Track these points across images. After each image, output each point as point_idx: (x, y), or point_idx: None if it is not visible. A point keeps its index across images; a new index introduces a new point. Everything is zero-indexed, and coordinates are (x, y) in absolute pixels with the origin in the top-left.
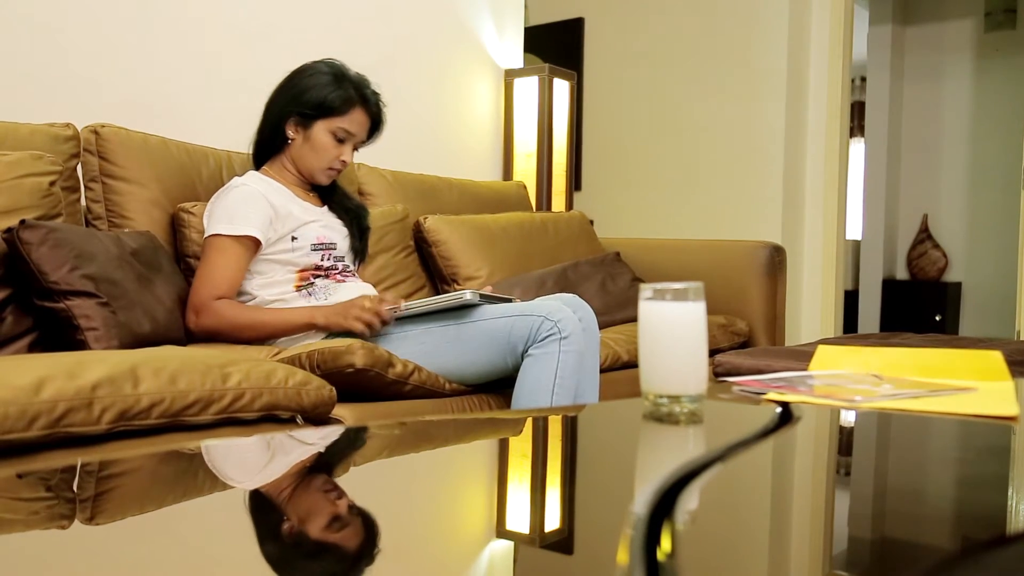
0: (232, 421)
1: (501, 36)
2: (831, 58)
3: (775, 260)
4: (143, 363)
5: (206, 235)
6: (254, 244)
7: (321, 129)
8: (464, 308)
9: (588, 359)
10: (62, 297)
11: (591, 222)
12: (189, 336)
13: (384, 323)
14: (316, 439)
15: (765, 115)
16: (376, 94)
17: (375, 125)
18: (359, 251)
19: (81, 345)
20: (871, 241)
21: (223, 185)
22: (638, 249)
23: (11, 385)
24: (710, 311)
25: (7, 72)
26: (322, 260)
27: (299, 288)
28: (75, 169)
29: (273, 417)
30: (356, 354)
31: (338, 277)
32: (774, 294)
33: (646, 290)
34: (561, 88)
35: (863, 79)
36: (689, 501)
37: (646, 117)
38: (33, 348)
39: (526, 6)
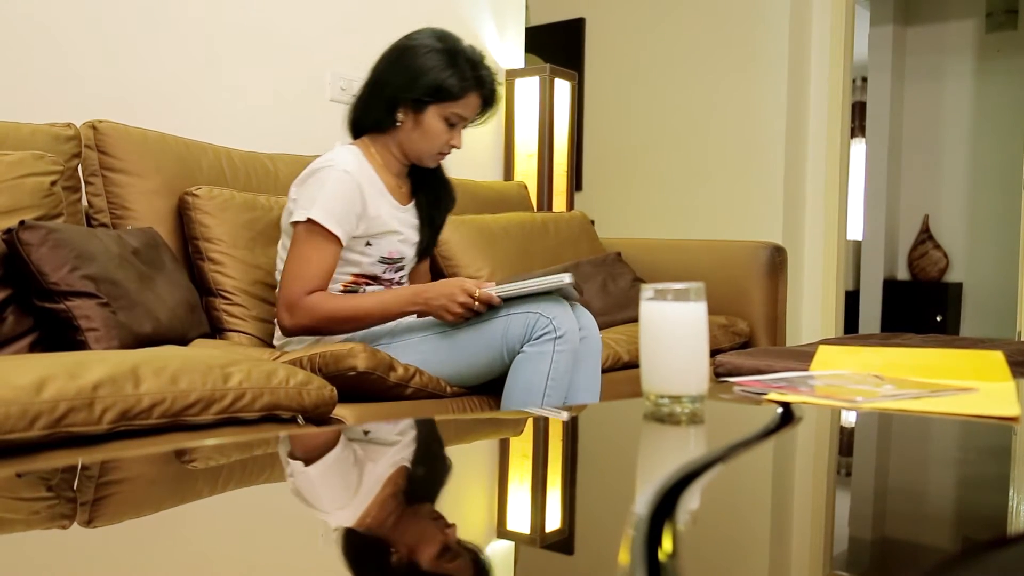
0: (233, 421)
1: (502, 36)
2: (832, 58)
3: (776, 260)
4: (144, 363)
5: (296, 217)
6: (340, 245)
7: (434, 114)
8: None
9: (589, 362)
10: (62, 298)
11: (592, 222)
12: (288, 332)
13: (490, 307)
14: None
15: (766, 115)
16: (492, 73)
17: (487, 105)
18: (425, 251)
19: (81, 346)
20: (872, 241)
21: (225, 176)
22: (639, 249)
23: (12, 385)
24: (711, 311)
25: (8, 72)
26: (383, 273)
27: (346, 288)
28: (76, 169)
29: (274, 417)
30: (358, 357)
31: (389, 286)
32: (775, 294)
33: (647, 290)
34: (562, 88)
35: (864, 79)
36: (690, 501)
37: (647, 117)
38: (34, 348)
39: (527, 6)
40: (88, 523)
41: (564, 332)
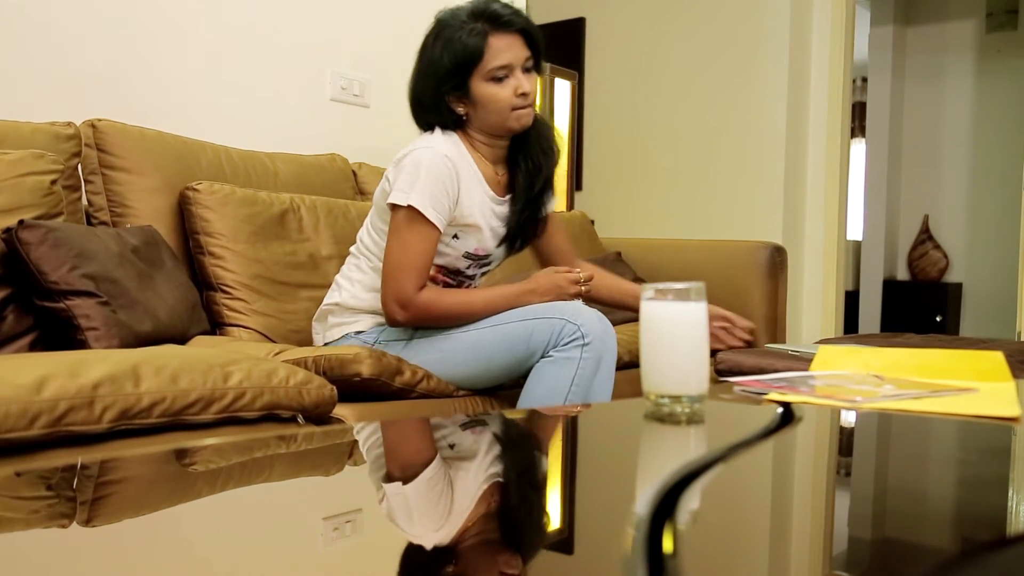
0: (233, 420)
1: None
2: (832, 58)
3: (776, 260)
4: (144, 362)
5: (395, 200)
6: (439, 231)
7: (478, 83)
8: None
9: (605, 363)
10: (62, 297)
11: (592, 222)
12: (397, 324)
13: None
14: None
15: (766, 115)
16: (507, 7)
17: (527, 37)
18: (515, 248)
19: (81, 345)
20: (872, 241)
21: (224, 174)
22: (639, 249)
23: (12, 384)
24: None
25: (8, 71)
26: (467, 268)
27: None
28: (76, 168)
29: (274, 416)
30: (363, 363)
31: (466, 284)
32: (775, 294)
33: (648, 290)
34: (562, 88)
35: (864, 79)
36: (690, 502)
37: (647, 117)
38: (34, 347)
39: (527, 6)
40: (87, 522)
41: (592, 339)
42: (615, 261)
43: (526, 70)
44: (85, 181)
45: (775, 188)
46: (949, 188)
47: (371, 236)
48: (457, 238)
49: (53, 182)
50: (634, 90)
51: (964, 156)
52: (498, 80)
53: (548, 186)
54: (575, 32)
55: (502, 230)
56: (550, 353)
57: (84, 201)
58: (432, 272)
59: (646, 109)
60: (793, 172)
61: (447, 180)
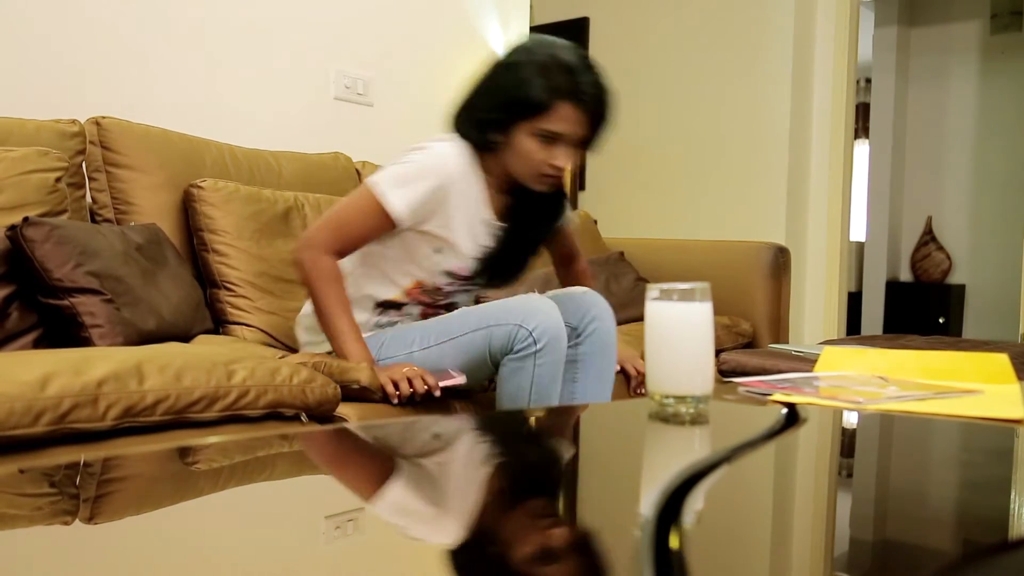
0: (237, 418)
1: (506, 35)
2: (836, 59)
3: (779, 261)
4: (148, 360)
5: (377, 179)
6: (391, 224)
7: (522, 132)
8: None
9: (596, 362)
10: (66, 295)
11: (595, 222)
12: (291, 263)
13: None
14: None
15: (770, 115)
16: (595, 80)
17: (591, 118)
18: (499, 274)
19: (86, 342)
20: (875, 243)
21: (228, 172)
22: (642, 249)
23: (17, 381)
24: (714, 311)
25: (14, 69)
26: (447, 286)
27: (407, 292)
28: (81, 165)
29: (277, 415)
30: (363, 372)
31: (434, 310)
32: (778, 295)
33: (653, 290)
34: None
35: (868, 80)
36: (695, 502)
37: (651, 117)
38: (38, 345)
39: (531, 5)
40: (90, 520)
41: (544, 344)
42: (618, 261)
43: (575, 145)
44: (89, 178)
45: (778, 189)
46: (952, 189)
47: None
48: (440, 252)
49: (58, 179)
50: (637, 91)
51: (967, 157)
52: (542, 139)
53: (533, 250)
54: (579, 32)
55: (494, 246)
56: (506, 363)
57: (88, 199)
58: (408, 286)
59: (650, 109)
60: (796, 173)
61: (434, 186)
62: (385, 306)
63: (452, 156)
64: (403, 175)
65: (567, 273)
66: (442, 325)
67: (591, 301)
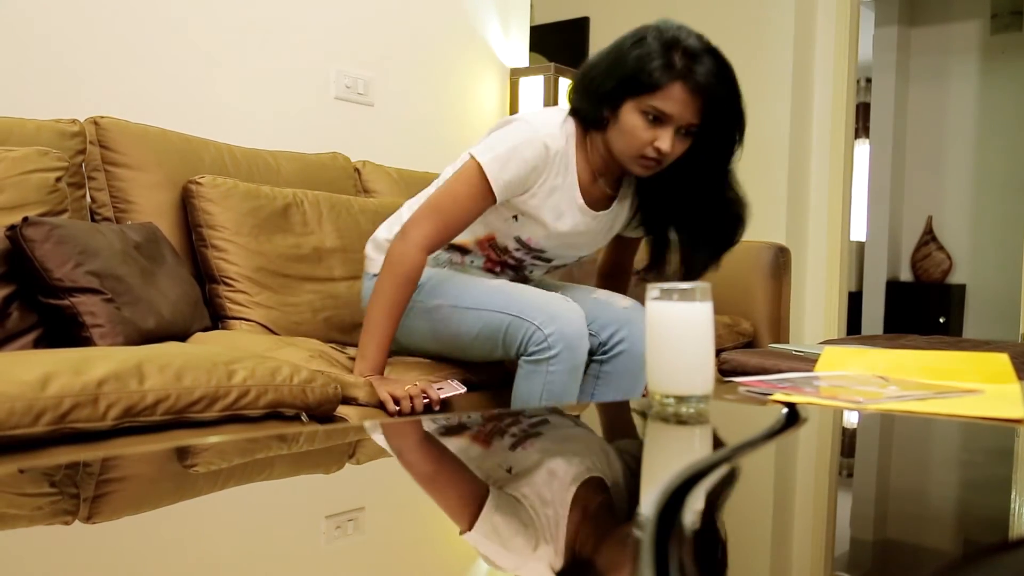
0: (237, 418)
1: (506, 35)
2: (836, 59)
3: (780, 261)
4: (149, 359)
5: (476, 153)
6: (493, 201)
7: (630, 108)
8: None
9: (620, 383)
10: (67, 294)
11: None
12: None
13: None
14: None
15: (770, 116)
16: (714, 69)
17: (707, 108)
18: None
19: (86, 342)
20: (875, 242)
21: (227, 170)
22: (642, 249)
23: (17, 380)
24: (715, 311)
25: (13, 69)
26: (516, 252)
27: (480, 247)
28: (80, 165)
29: (278, 415)
30: (361, 391)
31: (498, 266)
32: (779, 295)
33: (653, 290)
34: (566, 87)
35: (868, 80)
36: (695, 502)
37: None
38: (38, 345)
39: (532, 5)
40: (90, 519)
41: (558, 352)
42: None
43: (682, 132)
44: (88, 178)
45: (779, 189)
46: (953, 189)
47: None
48: (516, 220)
49: (58, 179)
50: None
51: (968, 157)
52: (648, 118)
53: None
54: (579, 31)
55: (583, 242)
56: (522, 363)
57: (87, 198)
58: (482, 236)
59: None
60: (797, 173)
61: (531, 165)
62: (452, 247)
63: (554, 132)
64: (505, 154)
65: (608, 285)
66: (480, 291)
67: (626, 318)
